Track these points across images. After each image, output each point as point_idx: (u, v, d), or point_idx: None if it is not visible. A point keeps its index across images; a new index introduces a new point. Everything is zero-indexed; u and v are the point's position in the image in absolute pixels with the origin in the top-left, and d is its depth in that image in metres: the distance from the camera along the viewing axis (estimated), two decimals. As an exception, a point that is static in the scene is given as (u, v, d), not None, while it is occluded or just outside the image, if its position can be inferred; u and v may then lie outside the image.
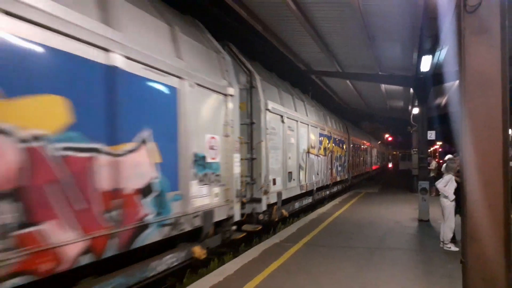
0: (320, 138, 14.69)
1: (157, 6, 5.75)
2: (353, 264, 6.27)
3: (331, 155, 16.62)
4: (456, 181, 7.07)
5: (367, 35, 9.98)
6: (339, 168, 18.57)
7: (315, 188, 13.65)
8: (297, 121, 11.61)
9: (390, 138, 57.85)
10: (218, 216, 6.56)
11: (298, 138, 11.72)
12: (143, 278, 4.88)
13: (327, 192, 16.07)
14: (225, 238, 6.98)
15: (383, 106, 23.94)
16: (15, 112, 3.22)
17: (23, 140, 3.28)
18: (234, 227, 7.30)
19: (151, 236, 4.85)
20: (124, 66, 4.40)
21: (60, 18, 3.62)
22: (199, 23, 7.27)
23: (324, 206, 13.77)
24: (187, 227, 5.65)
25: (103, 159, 4.11)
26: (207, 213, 6.18)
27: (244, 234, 7.86)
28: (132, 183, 4.54)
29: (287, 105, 10.94)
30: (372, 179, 30.97)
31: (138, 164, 4.66)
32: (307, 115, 12.97)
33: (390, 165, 56.51)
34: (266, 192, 8.83)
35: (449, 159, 7.83)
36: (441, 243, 7.41)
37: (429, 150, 30.52)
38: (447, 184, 7.30)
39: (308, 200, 13.19)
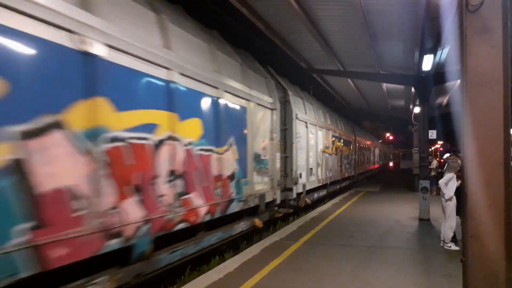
0: (333, 139, 17.12)
1: (229, 48, 8.14)
2: (354, 262, 6.27)
3: (341, 154, 19.05)
4: (458, 181, 7.10)
5: (368, 34, 9.99)
6: (347, 166, 21.00)
7: (329, 182, 16.11)
8: (316, 125, 14.04)
9: (391, 137, 59.34)
10: (267, 198, 9.00)
11: (317, 140, 14.15)
12: (229, 235, 7.32)
13: (338, 186, 18.50)
14: (271, 215, 9.43)
15: (385, 105, 24.04)
16: (182, 128, 5.64)
17: (184, 144, 5.71)
18: (276, 208, 9.75)
19: (234, 208, 7.28)
20: (225, 97, 6.84)
21: (199, 73, 6.07)
22: (249, 54, 9.68)
23: (325, 204, 14.09)
24: (252, 204, 8.09)
25: (214, 156, 6.56)
26: (262, 196, 8.61)
27: (282, 214, 10.29)
28: (226, 171, 6.97)
29: (309, 113, 13.36)
30: (373, 177, 32.48)
31: (229, 160, 7.10)
32: (323, 120, 15.39)
33: (391, 164, 57.30)
34: (295, 183, 11.26)
35: (448, 157, 8.08)
36: (442, 242, 7.43)
37: (430, 149, 31.46)
38: (448, 182, 7.33)
39: (324, 192, 15.63)
